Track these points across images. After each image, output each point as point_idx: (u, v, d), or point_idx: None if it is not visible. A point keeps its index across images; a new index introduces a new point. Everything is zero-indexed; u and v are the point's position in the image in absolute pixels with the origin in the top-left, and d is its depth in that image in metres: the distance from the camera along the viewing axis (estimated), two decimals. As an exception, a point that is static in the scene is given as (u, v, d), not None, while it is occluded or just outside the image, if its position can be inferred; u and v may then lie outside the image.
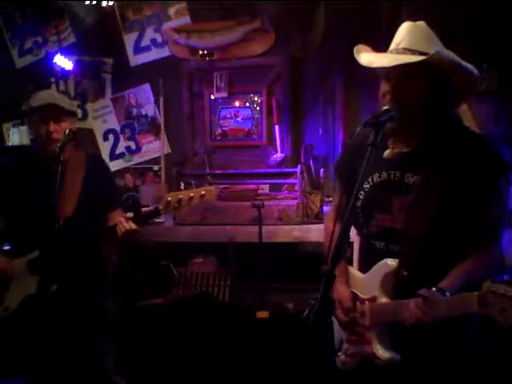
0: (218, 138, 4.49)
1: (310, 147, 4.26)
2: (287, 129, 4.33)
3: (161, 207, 2.49)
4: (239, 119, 4.44)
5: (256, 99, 4.38)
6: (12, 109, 4.69)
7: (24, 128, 4.59)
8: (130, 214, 2.56)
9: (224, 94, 4.40)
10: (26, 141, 4.55)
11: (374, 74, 1.93)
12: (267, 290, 3.77)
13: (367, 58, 1.87)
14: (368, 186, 1.88)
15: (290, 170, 4.16)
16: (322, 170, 4.10)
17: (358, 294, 1.91)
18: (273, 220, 3.84)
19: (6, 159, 2.73)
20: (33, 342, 2.48)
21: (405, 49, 1.79)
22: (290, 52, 4.28)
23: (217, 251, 4.20)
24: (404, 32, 1.83)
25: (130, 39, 4.58)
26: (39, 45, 4.75)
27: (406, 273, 1.75)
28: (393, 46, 1.84)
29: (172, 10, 4.48)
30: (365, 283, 1.90)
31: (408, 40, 1.79)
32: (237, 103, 4.42)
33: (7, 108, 4.72)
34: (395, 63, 1.75)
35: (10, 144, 4.63)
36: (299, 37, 4.26)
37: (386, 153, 1.85)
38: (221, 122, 4.46)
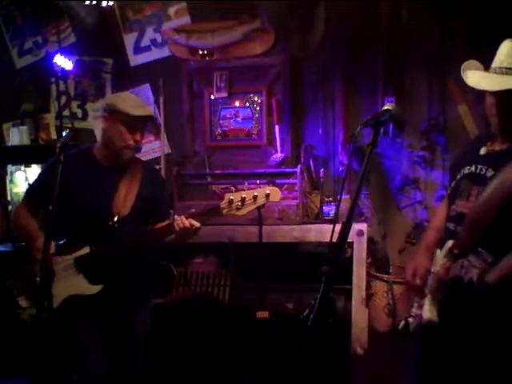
0: (218, 138, 4.49)
1: (310, 147, 4.26)
2: (287, 129, 4.33)
3: (222, 206, 2.36)
4: (239, 119, 4.44)
5: (256, 99, 4.38)
6: (12, 109, 4.72)
7: (24, 128, 4.59)
8: (189, 212, 2.39)
9: (224, 94, 4.40)
10: (26, 141, 4.56)
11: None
12: (267, 290, 3.77)
13: (474, 78, 2.06)
14: (459, 176, 2.14)
15: (290, 170, 4.15)
16: (321, 170, 4.11)
17: (432, 268, 2.16)
18: (273, 220, 3.85)
19: (67, 153, 2.68)
20: (67, 343, 2.43)
21: (507, 68, 1.97)
22: (290, 52, 4.28)
23: (217, 251, 4.20)
24: (505, 51, 2.01)
25: (129, 39, 4.58)
26: (39, 45, 4.76)
27: (456, 251, 2.00)
28: (496, 63, 2.02)
29: (172, 10, 4.48)
30: (437, 259, 2.15)
31: (505, 59, 1.98)
32: (237, 103, 4.43)
33: (7, 108, 4.74)
34: (501, 88, 1.94)
35: (10, 144, 4.63)
36: (299, 37, 4.26)
37: (483, 149, 2.10)
38: (221, 122, 4.46)
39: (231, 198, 2.35)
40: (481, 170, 2.05)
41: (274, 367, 3.19)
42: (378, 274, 3.91)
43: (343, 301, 3.88)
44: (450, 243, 2.06)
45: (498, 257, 1.87)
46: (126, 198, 2.51)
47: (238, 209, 2.36)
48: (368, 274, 3.76)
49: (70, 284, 2.45)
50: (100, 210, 2.46)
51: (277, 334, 3.40)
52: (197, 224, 2.37)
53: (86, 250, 2.46)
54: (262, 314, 3.55)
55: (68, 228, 2.49)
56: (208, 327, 3.53)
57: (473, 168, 2.09)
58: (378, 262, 4.04)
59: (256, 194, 2.35)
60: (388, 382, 3.25)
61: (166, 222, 2.45)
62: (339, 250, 1.65)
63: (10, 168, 4.56)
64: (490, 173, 2.01)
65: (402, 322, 2.24)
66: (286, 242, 3.84)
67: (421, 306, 2.14)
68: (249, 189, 2.39)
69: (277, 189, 2.39)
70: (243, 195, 2.35)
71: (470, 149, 2.20)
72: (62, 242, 2.48)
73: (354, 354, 3.62)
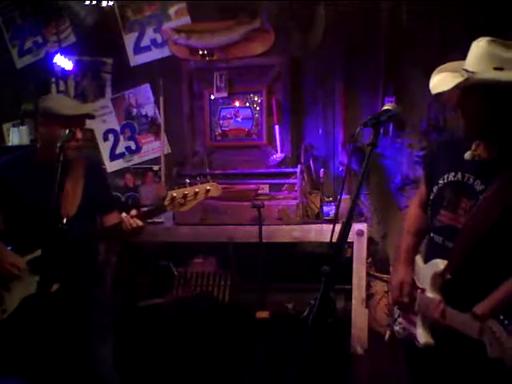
0: (218, 138, 4.49)
1: (310, 147, 4.26)
2: (287, 129, 4.32)
3: (166, 203, 2.46)
4: (239, 119, 4.44)
5: (256, 99, 4.38)
6: (12, 109, 4.72)
7: (24, 128, 4.59)
8: (134, 212, 2.50)
9: (224, 94, 4.40)
10: (26, 141, 4.55)
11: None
12: (267, 290, 3.77)
13: (434, 81, 1.92)
14: (442, 182, 1.98)
15: (290, 169, 4.16)
16: (321, 169, 4.11)
17: (416, 280, 2.06)
18: (273, 220, 3.85)
19: (4, 159, 2.70)
20: (31, 343, 2.46)
21: (463, 70, 1.85)
22: (290, 52, 4.28)
23: (217, 251, 4.20)
24: (474, 53, 1.87)
25: (129, 39, 4.58)
26: (39, 45, 4.75)
27: (449, 276, 1.89)
28: (466, 65, 1.88)
29: (172, 10, 4.48)
30: (421, 274, 2.04)
31: (468, 60, 1.87)
32: (237, 103, 4.43)
33: (7, 108, 4.74)
34: (444, 89, 1.82)
35: (10, 144, 4.63)
36: (299, 37, 4.26)
37: (467, 154, 1.91)
38: (221, 122, 4.46)
39: (174, 194, 2.44)
40: (468, 179, 1.89)
41: (274, 367, 3.20)
42: (378, 274, 3.91)
43: (343, 301, 3.88)
44: (440, 265, 1.90)
45: (495, 279, 1.77)
46: (72, 198, 2.56)
47: (181, 205, 2.45)
48: (368, 274, 3.76)
49: (25, 286, 2.49)
50: (48, 214, 2.45)
51: (277, 334, 3.40)
52: (140, 223, 2.47)
53: (38, 253, 2.50)
54: (262, 314, 3.54)
55: (18, 232, 2.53)
56: (208, 327, 3.52)
57: (459, 175, 1.92)
58: (378, 262, 4.04)
59: (197, 189, 2.45)
60: (388, 382, 3.25)
61: (114, 223, 2.54)
62: (339, 250, 1.65)
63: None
64: (479, 186, 1.85)
65: (388, 333, 2.20)
66: (286, 241, 3.84)
67: (410, 321, 2.04)
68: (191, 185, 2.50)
69: (217, 184, 2.50)
70: (185, 192, 2.44)
71: (451, 150, 2.01)
72: (11, 248, 2.53)
73: (354, 354, 3.62)
